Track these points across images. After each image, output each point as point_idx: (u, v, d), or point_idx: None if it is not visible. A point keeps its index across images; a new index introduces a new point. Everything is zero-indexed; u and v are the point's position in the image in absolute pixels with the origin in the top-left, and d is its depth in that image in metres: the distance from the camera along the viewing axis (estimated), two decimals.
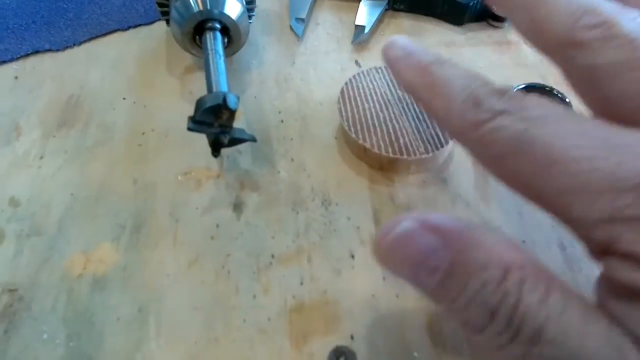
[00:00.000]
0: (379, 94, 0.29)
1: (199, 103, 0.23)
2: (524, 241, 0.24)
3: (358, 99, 0.29)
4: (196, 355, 0.21)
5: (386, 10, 0.37)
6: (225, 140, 0.23)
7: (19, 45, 0.36)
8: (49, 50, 0.36)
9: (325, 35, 0.36)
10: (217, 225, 0.25)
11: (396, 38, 0.20)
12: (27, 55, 0.36)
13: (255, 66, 0.34)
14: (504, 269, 0.13)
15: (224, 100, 0.22)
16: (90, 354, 0.21)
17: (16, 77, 0.35)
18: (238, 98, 0.23)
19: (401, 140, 0.26)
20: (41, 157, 0.29)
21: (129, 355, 0.21)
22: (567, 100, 0.29)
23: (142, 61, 0.35)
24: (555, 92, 0.30)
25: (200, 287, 0.23)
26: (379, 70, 0.30)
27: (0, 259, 0.25)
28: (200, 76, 0.33)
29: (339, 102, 0.29)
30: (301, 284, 0.23)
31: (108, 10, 0.39)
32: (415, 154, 0.26)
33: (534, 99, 0.16)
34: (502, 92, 0.16)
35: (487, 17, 0.36)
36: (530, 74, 0.32)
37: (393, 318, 0.22)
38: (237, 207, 0.26)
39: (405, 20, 0.37)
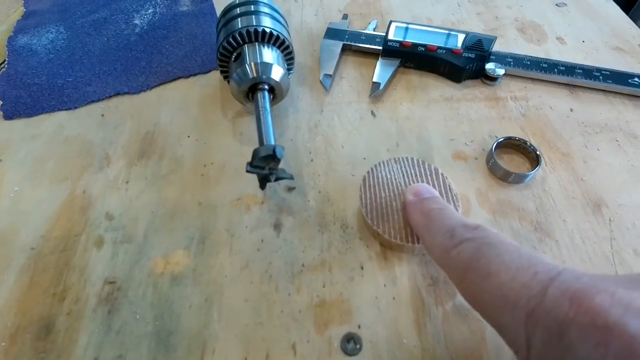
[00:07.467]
0: (394, 184, 0.33)
1: (255, 152, 0.31)
2: None
3: (376, 187, 0.33)
4: (248, 334, 0.29)
5: (398, 67, 0.45)
6: (273, 179, 0.32)
7: (104, 88, 0.46)
8: (127, 92, 0.46)
9: (348, 88, 0.45)
10: (262, 240, 0.34)
11: (418, 186, 0.30)
12: (111, 96, 0.45)
13: (291, 112, 0.42)
14: None
15: (274, 151, 0.31)
16: (171, 330, 0.30)
17: (102, 115, 0.44)
18: (283, 149, 0.31)
19: (408, 229, 0.31)
20: (127, 182, 0.38)
21: (199, 332, 0.30)
22: (538, 152, 0.37)
23: (202, 105, 0.44)
24: (529, 144, 0.37)
25: (249, 285, 0.32)
26: (398, 161, 0.35)
27: (102, 259, 0.34)
28: (248, 121, 0.42)
29: (360, 190, 0.33)
30: (324, 286, 0.31)
31: (173, 60, 0.48)
32: (419, 242, 0.30)
33: (493, 230, 0.22)
34: (472, 227, 0.23)
35: (482, 76, 0.44)
36: (512, 126, 0.40)
37: (390, 314, 0.30)
38: (277, 227, 0.34)
39: (414, 77, 0.45)
